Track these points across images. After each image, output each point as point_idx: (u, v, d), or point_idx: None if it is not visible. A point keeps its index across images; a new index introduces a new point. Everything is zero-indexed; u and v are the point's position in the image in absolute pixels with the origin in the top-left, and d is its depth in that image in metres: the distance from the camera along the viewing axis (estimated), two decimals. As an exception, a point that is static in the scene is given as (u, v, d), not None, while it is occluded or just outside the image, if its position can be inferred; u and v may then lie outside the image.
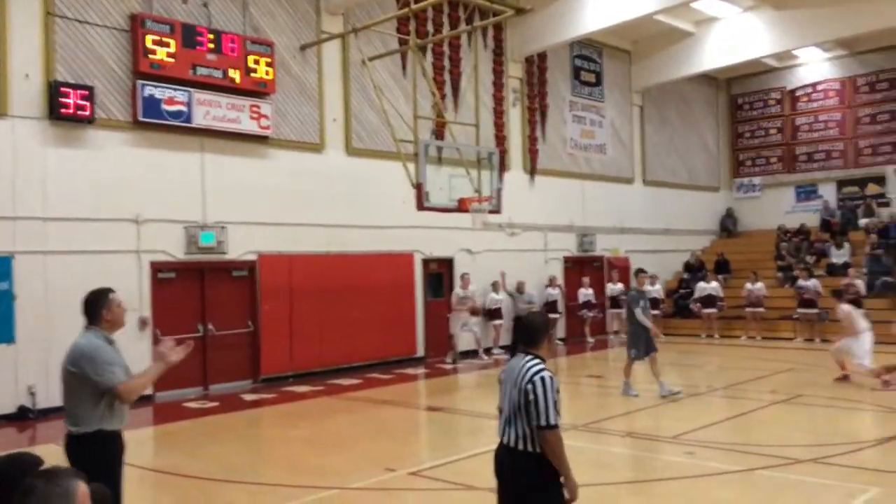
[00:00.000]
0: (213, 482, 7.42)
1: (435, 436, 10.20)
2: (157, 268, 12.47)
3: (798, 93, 24.09)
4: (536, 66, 18.90)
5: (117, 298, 4.61)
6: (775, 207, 23.96)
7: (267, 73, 13.44)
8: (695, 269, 21.45)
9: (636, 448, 8.48)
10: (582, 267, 19.80)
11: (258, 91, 13.38)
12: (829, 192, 23.26)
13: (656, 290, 20.20)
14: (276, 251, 13.80)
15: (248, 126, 13.25)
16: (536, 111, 18.90)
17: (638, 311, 11.17)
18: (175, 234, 12.60)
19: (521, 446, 3.89)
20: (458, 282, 16.34)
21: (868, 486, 6.56)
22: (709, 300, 19.32)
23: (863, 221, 21.28)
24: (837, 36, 19.62)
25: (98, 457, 4.28)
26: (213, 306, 13.13)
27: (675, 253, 22.14)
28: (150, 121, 12.12)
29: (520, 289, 16.96)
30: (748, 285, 18.88)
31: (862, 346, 11.69)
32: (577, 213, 19.63)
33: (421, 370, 15.10)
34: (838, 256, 19.85)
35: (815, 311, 17.70)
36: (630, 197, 21.34)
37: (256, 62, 13.31)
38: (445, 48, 16.67)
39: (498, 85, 17.88)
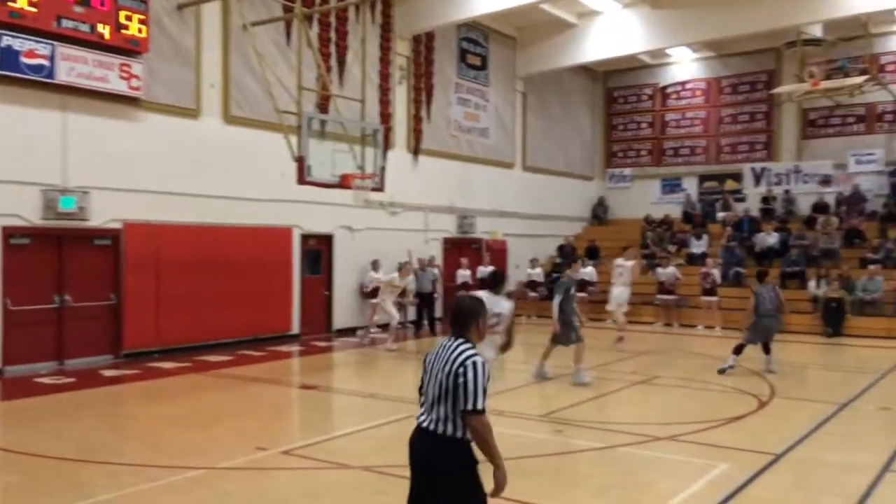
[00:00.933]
0: (69, 462, 6.98)
1: (308, 414, 10.07)
2: (8, 233, 11.57)
3: (668, 90, 25.35)
4: (424, 46, 18.86)
5: None
6: (643, 198, 25.16)
7: (140, 31, 12.67)
8: (568, 254, 22.21)
9: (506, 426, 8.64)
10: (461, 248, 20.05)
11: (129, 49, 12.59)
12: (691, 186, 24.71)
13: (537, 272, 20.81)
14: (144, 220, 13.11)
15: (117, 86, 12.48)
16: (422, 91, 18.88)
17: (555, 299, 11.29)
18: (31, 198, 11.71)
19: (441, 430, 3.82)
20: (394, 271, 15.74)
21: (719, 461, 7.04)
22: (582, 284, 20.05)
23: (720, 215, 22.79)
24: (705, 38, 20.77)
25: None
26: (71, 276, 12.33)
27: (550, 238, 22.84)
28: (7, 74, 11.20)
29: (422, 266, 16.90)
30: (616, 272, 19.72)
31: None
32: (458, 195, 19.83)
33: (295, 347, 14.85)
34: (697, 247, 21.16)
35: (673, 297, 18.84)
36: (509, 181, 21.78)
37: (128, 18, 12.52)
38: (332, 20, 16.29)
39: (385, 61, 17.69)
